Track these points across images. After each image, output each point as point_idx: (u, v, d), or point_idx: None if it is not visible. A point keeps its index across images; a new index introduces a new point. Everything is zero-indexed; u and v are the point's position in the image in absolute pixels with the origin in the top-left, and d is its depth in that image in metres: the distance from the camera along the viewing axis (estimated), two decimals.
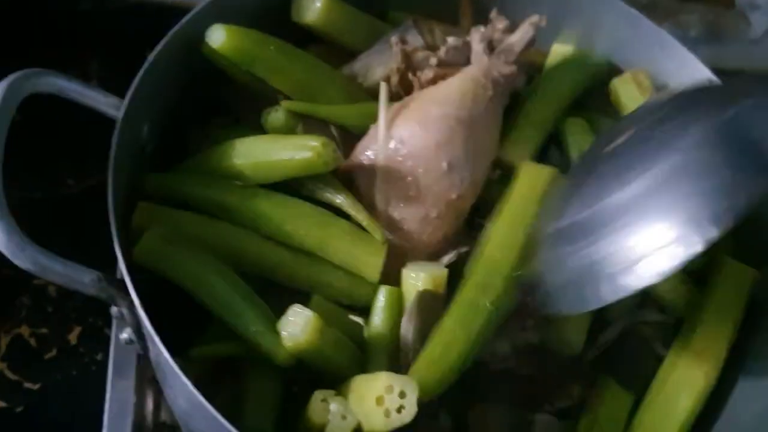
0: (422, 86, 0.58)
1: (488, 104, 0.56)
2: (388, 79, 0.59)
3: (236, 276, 0.50)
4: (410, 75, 0.59)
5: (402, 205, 0.53)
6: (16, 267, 0.66)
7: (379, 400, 0.44)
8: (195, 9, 0.56)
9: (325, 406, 0.45)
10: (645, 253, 0.43)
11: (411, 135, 0.53)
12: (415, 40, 0.60)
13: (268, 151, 0.53)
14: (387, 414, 0.44)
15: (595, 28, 0.66)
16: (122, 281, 0.46)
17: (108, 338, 0.69)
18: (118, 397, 0.65)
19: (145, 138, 0.55)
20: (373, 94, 0.58)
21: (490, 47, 0.59)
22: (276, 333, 0.47)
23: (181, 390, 0.46)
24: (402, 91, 0.59)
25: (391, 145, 0.53)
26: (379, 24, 0.64)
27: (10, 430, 0.68)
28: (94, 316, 0.75)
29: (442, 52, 0.58)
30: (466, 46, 0.59)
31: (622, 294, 0.44)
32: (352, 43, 0.63)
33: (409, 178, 0.53)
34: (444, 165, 0.53)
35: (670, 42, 0.65)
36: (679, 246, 0.42)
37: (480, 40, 0.59)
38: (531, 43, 0.60)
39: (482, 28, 0.60)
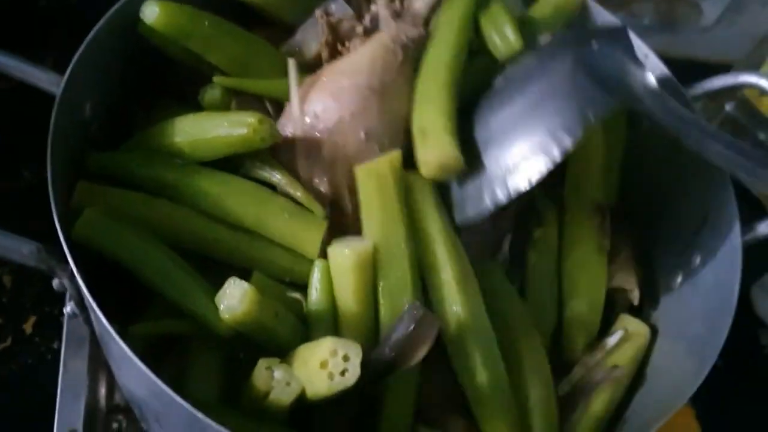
0: (291, 64, 0.58)
1: (399, 69, 0.56)
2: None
3: (175, 253, 0.51)
4: (339, 46, 0.59)
5: (326, 179, 0.54)
6: None
7: (323, 364, 0.44)
8: None
9: (269, 373, 0.45)
10: (523, 159, 0.53)
11: (325, 108, 0.54)
12: (342, 9, 0.61)
13: (205, 129, 0.53)
14: (330, 377, 0.44)
15: None
16: (62, 252, 0.46)
17: (62, 327, 0.70)
18: (70, 378, 0.66)
19: (87, 116, 0.55)
20: (312, 69, 0.58)
21: (396, 13, 0.59)
22: (216, 306, 0.48)
23: (125, 362, 0.47)
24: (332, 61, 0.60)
25: (307, 120, 0.54)
26: None
27: None
28: (50, 305, 0.74)
29: (366, 20, 0.59)
30: (391, 12, 0.59)
31: (512, 194, 0.53)
32: (291, 20, 0.63)
33: (329, 152, 0.53)
34: (361, 134, 0.53)
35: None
36: (543, 154, 0.52)
37: (386, 6, 0.59)
38: (437, 5, 0.60)
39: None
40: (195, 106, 0.58)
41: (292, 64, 0.56)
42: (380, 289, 0.51)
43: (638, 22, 1.02)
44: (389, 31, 0.57)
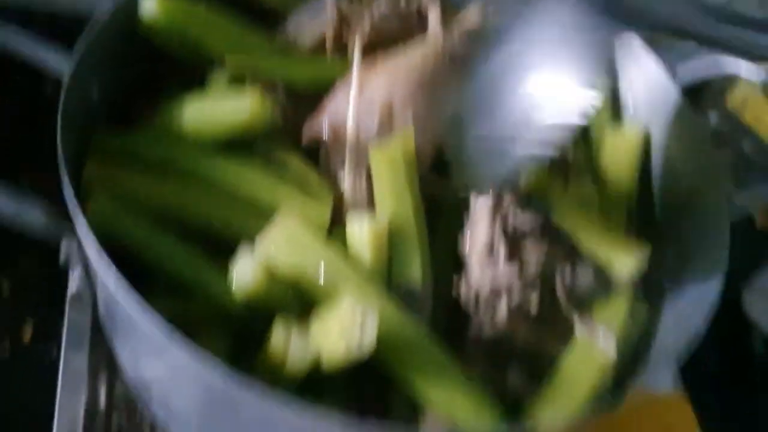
0: (358, 47, 0.61)
1: (444, 75, 0.60)
2: (321, 39, 0.62)
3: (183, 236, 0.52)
4: (344, 35, 0.62)
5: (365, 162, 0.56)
6: None
7: (342, 329, 0.44)
8: None
9: (286, 338, 0.46)
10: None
11: (380, 91, 0.57)
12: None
13: (209, 110, 0.55)
14: (348, 341, 0.44)
15: None
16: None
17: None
18: (70, 377, 0.65)
19: (95, 100, 0.56)
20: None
21: (445, 27, 0.64)
22: (228, 282, 0.48)
23: (138, 334, 0.47)
24: (337, 51, 0.63)
25: (361, 101, 0.57)
26: None
27: None
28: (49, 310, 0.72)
29: (375, 11, 0.63)
30: (398, 9, 0.64)
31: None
32: (283, 7, 0.65)
33: (376, 132, 0.56)
34: (408, 120, 0.56)
35: None
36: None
37: (436, 19, 0.64)
38: (477, 27, 0.64)
39: (438, 7, 0.64)
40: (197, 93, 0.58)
41: (358, 46, 0.60)
42: (393, 260, 0.52)
43: None
44: (438, 42, 0.62)
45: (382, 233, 0.51)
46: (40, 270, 0.74)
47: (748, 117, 0.95)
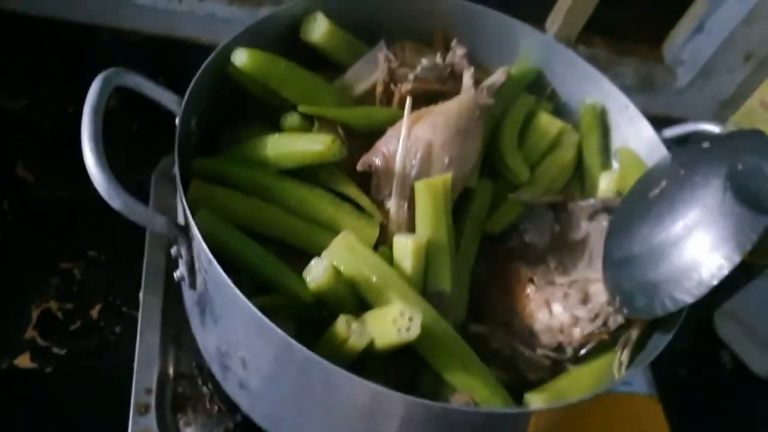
0: (402, 97, 0.71)
1: (477, 121, 0.70)
2: (372, 90, 0.72)
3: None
4: (392, 86, 0.72)
5: (400, 191, 0.66)
6: (44, 252, 0.78)
7: (394, 321, 0.56)
8: (229, 38, 0.68)
9: (348, 325, 0.57)
10: (691, 273, 0.59)
11: (424, 134, 0.66)
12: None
13: (290, 144, 0.65)
14: (398, 331, 0.56)
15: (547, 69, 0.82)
16: (185, 227, 0.58)
17: (123, 315, 0.81)
18: (146, 348, 0.76)
19: (193, 130, 0.66)
20: (358, 102, 0.71)
21: (476, 83, 0.73)
22: (303, 279, 0.60)
23: (231, 308, 0.57)
24: (384, 98, 0.72)
25: (409, 142, 0.66)
26: (360, 44, 0.76)
27: (39, 388, 0.75)
28: (113, 296, 0.82)
29: (418, 70, 0.72)
30: (437, 67, 0.73)
31: (680, 305, 0.60)
32: (345, 60, 0.75)
33: (418, 169, 0.66)
34: (446, 160, 0.67)
35: (598, 77, 0.80)
36: (714, 268, 0.57)
37: (470, 78, 0.73)
38: (503, 84, 0.75)
39: (472, 69, 0.74)
40: (271, 128, 0.69)
41: (408, 100, 0.68)
42: (428, 271, 0.63)
43: (620, 82, 1.13)
44: (470, 95, 0.71)
45: (422, 248, 0.63)
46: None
47: None
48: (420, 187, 0.64)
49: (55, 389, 0.76)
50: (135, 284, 0.82)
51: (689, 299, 0.59)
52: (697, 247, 0.59)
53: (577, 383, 0.64)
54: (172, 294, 0.80)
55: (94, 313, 0.82)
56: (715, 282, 0.57)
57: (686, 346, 1.00)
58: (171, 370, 0.76)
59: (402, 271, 0.62)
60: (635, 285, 0.62)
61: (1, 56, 0.95)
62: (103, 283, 0.84)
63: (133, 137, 0.96)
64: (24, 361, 0.76)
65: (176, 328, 0.78)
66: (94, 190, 0.86)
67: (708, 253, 0.58)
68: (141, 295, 0.81)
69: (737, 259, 0.56)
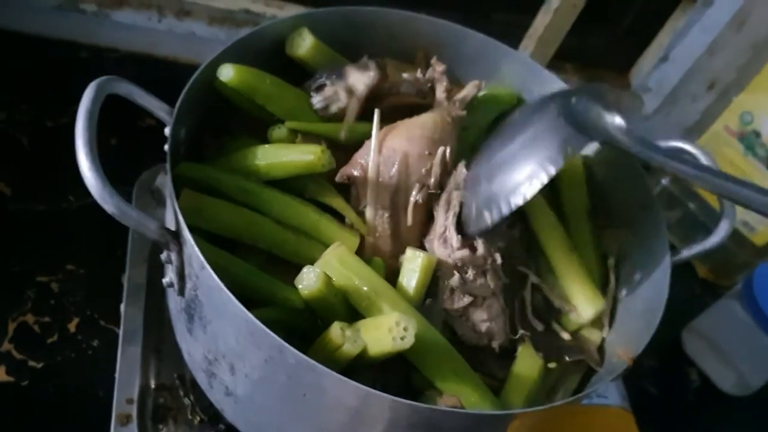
0: (382, 110, 0.72)
1: (450, 132, 0.72)
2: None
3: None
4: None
5: (380, 203, 0.68)
6: (22, 265, 0.79)
7: (389, 330, 0.57)
8: (216, 53, 0.69)
9: (342, 332, 0.58)
10: (520, 182, 0.65)
11: (401, 146, 0.68)
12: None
13: (281, 154, 0.67)
14: (393, 340, 0.57)
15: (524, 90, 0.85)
16: (175, 232, 0.58)
17: (101, 329, 0.81)
18: (127, 360, 0.77)
19: (182, 140, 0.67)
20: (340, 118, 0.72)
21: (449, 96, 0.76)
22: (294, 287, 0.61)
23: (221, 312, 0.58)
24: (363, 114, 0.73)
25: (384, 152, 0.68)
26: (344, 61, 0.77)
27: (16, 400, 0.75)
28: (91, 309, 0.82)
29: (401, 87, 0.75)
30: (417, 82, 0.76)
31: (513, 208, 0.65)
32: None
33: (397, 177, 0.68)
34: (423, 170, 0.69)
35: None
36: (535, 177, 0.64)
37: (443, 91, 0.76)
38: (474, 97, 0.78)
39: (445, 83, 0.76)
40: (258, 140, 0.70)
41: (377, 113, 0.70)
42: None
43: None
44: (443, 108, 0.74)
45: (432, 265, 0.66)
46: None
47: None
48: None
49: (32, 402, 0.75)
50: (113, 298, 0.83)
51: (521, 201, 0.65)
52: (530, 158, 0.65)
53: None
54: (153, 306, 0.81)
55: (72, 326, 0.81)
56: (545, 179, 0.63)
57: (655, 363, 1.02)
58: (152, 382, 0.77)
59: (406, 282, 0.65)
60: (481, 201, 0.68)
61: None
62: (81, 297, 0.83)
63: (113, 151, 0.97)
64: None
65: (157, 340, 0.79)
66: (72, 203, 0.91)
67: (537, 160, 0.64)
68: (122, 306, 0.81)
69: (561, 162, 0.63)
